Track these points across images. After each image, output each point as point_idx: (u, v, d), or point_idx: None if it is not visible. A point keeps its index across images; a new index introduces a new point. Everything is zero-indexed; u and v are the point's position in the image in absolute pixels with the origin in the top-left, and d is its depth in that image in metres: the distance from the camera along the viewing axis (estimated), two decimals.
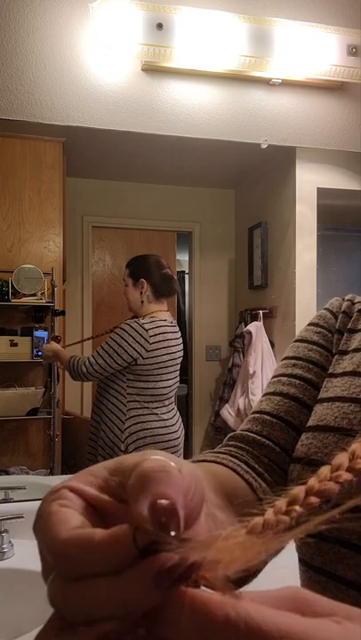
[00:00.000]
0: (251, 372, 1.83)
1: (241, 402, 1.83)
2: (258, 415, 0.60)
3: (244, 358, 1.87)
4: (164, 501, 0.22)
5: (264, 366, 1.83)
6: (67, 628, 0.22)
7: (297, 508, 0.23)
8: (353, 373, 0.56)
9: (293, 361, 0.62)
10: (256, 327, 1.85)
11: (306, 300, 1.80)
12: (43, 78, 1.53)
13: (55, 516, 0.24)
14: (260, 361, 1.84)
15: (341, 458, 0.26)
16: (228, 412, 1.86)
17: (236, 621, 0.19)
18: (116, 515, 0.25)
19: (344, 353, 0.60)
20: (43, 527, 0.24)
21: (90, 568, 0.22)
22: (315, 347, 0.62)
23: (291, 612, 0.20)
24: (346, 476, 0.25)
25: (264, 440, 0.57)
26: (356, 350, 0.59)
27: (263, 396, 0.62)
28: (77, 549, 0.22)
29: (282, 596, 0.21)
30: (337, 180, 1.88)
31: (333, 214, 1.99)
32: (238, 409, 1.83)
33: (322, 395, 0.58)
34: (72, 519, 0.24)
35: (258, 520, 0.22)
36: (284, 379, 0.61)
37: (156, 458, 0.25)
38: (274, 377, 0.63)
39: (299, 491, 0.24)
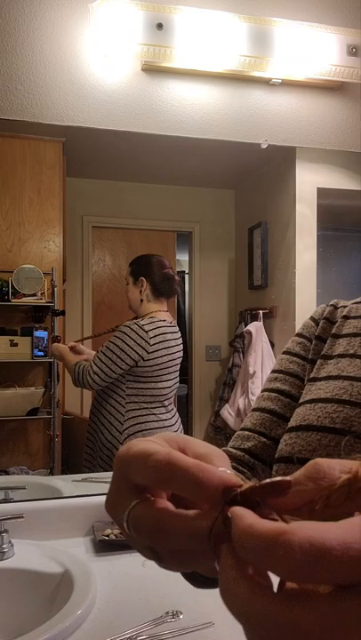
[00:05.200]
0: (251, 371, 1.83)
1: (241, 402, 1.83)
2: (240, 432, 0.71)
3: (244, 358, 1.87)
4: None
5: (264, 366, 1.83)
6: None
7: None
8: (337, 377, 0.59)
9: (276, 374, 0.71)
10: (256, 327, 1.85)
11: (306, 300, 1.80)
12: (43, 78, 1.53)
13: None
14: (260, 361, 1.84)
15: None
16: (228, 412, 1.86)
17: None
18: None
19: (328, 357, 0.65)
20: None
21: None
22: (295, 358, 0.70)
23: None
24: None
25: (241, 453, 0.67)
26: (340, 356, 0.62)
27: (251, 411, 0.73)
28: None
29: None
30: (337, 180, 1.88)
31: (333, 214, 1.99)
32: (238, 409, 1.83)
33: (304, 397, 0.63)
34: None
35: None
36: (266, 394, 0.70)
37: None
38: (261, 391, 0.73)
39: None
